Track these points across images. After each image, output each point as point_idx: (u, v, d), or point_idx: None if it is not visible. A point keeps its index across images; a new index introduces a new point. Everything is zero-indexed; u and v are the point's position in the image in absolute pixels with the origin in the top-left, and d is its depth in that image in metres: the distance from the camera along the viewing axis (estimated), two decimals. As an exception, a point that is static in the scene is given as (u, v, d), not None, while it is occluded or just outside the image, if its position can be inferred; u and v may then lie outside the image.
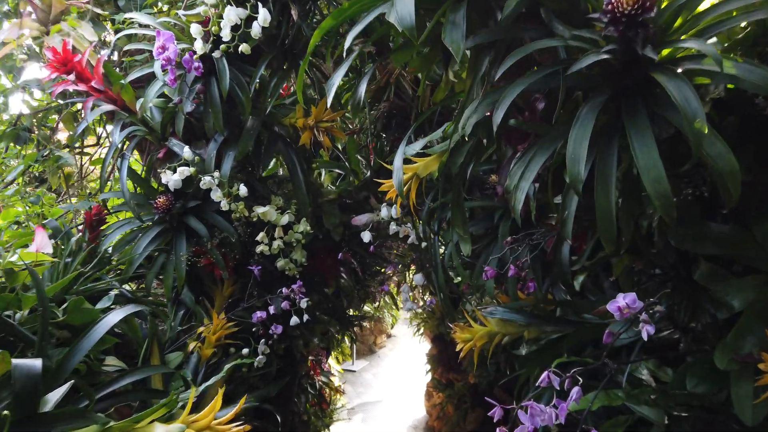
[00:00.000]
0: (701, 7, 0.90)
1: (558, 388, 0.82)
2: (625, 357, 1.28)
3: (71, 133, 2.19)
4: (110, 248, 2.02)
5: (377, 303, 2.94)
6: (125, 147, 1.89)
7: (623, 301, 0.78)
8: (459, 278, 2.29)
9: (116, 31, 2.19)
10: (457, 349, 1.47)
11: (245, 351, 1.84)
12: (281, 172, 2.30)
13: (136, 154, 2.31)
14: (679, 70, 0.88)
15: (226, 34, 1.62)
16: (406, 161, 1.46)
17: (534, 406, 0.78)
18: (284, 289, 1.81)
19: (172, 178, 1.74)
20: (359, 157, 2.09)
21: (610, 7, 0.83)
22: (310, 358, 3.83)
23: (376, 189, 2.09)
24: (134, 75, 1.80)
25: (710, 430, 1.05)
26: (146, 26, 1.83)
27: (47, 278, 1.78)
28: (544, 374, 0.82)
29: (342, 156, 2.18)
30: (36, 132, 2.15)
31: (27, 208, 2.11)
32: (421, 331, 5.12)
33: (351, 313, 2.92)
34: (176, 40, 1.68)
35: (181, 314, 1.94)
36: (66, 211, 2.12)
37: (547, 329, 1.37)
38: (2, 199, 2.11)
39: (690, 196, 0.90)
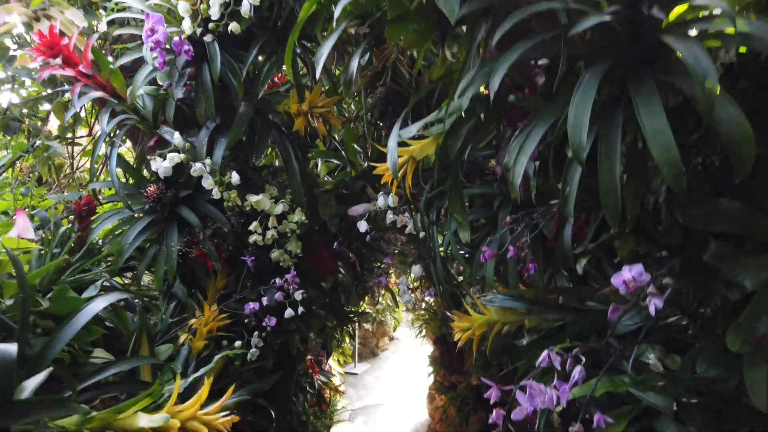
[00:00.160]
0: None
1: (559, 368, 0.76)
2: (629, 345, 1.22)
3: (64, 123, 2.15)
4: (101, 240, 1.97)
5: (377, 299, 2.87)
6: (115, 135, 1.84)
7: (629, 273, 0.73)
8: (459, 273, 2.24)
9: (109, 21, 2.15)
10: (455, 339, 1.42)
11: (238, 343, 1.78)
12: (278, 164, 2.25)
13: (129, 145, 2.26)
14: (689, 33, 0.83)
15: (214, 12, 1.57)
16: (403, 144, 1.41)
17: (533, 386, 0.72)
18: (278, 280, 1.76)
19: (162, 165, 1.69)
20: (356, 146, 2.04)
21: (613, -37, 0.78)
22: (309, 357, 3.78)
23: (374, 179, 2.05)
24: (124, 60, 1.75)
25: (721, 419, 0.99)
26: (137, 10, 1.78)
27: (34, 269, 1.73)
28: (544, 353, 0.76)
29: (339, 146, 2.12)
30: (26, 122, 2.11)
31: (17, 200, 2.07)
32: (423, 333, 5.09)
33: (349, 309, 2.85)
34: (166, 23, 1.63)
35: (172, 307, 1.89)
36: (55, 201, 2.07)
37: (549, 317, 1.31)
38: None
39: (699, 166, 0.85)
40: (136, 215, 1.82)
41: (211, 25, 1.62)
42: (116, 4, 1.87)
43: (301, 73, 2.08)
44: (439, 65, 1.23)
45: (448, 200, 1.46)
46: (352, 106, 2.24)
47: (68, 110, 2.09)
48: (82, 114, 2.40)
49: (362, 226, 1.83)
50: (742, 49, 0.86)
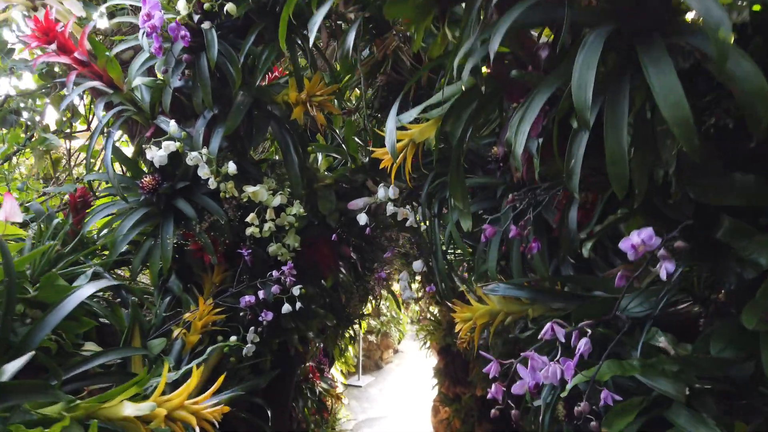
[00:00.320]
0: None
1: (563, 340, 0.71)
2: (638, 333, 1.16)
3: (61, 117, 2.12)
4: (96, 234, 1.94)
5: (377, 296, 2.81)
6: (111, 125, 1.81)
7: (638, 237, 0.68)
8: (461, 268, 2.18)
9: (109, 14, 2.14)
10: (456, 330, 1.36)
11: (233, 338, 1.73)
12: (277, 159, 2.22)
13: (127, 139, 2.23)
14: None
15: (210, -7, 1.54)
16: (404, 130, 1.37)
17: (535, 358, 0.67)
18: (274, 272, 1.71)
19: (157, 154, 1.65)
20: (357, 140, 2.00)
21: None
22: (310, 363, 3.73)
23: (374, 173, 2.01)
24: (120, 47, 1.73)
25: (737, 406, 0.93)
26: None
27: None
28: (548, 325, 0.71)
29: (340, 139, 2.08)
30: (24, 116, 2.08)
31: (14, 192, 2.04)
32: (428, 344, 5.04)
33: (350, 311, 2.80)
34: (163, 10, 1.61)
35: (167, 301, 1.84)
36: (50, 194, 2.04)
37: (554, 306, 1.26)
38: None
39: (712, 128, 0.80)
40: (131, 207, 1.78)
41: (206, 5, 1.60)
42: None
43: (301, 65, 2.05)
44: (438, 42, 1.19)
45: (449, 188, 1.42)
46: (353, 100, 2.20)
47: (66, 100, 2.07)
48: (81, 110, 2.38)
49: (362, 218, 1.79)
50: (756, 8, 0.82)
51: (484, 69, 1.19)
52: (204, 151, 1.67)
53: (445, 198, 1.73)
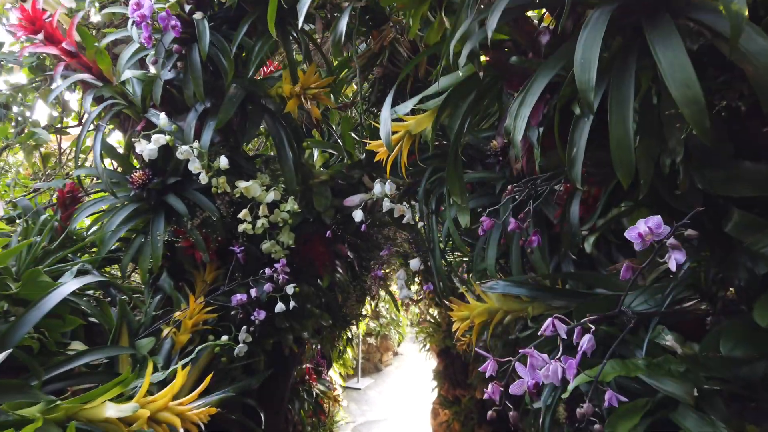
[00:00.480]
0: None
1: (564, 337, 0.66)
2: (642, 333, 1.11)
3: (51, 111, 2.08)
4: (86, 231, 1.89)
5: (374, 295, 2.76)
6: (101, 119, 1.76)
7: (645, 225, 0.63)
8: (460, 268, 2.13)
9: (101, 6, 2.09)
10: (453, 330, 1.31)
11: (224, 338, 1.68)
12: (273, 155, 2.17)
13: (119, 135, 2.19)
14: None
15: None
16: (401, 121, 1.32)
17: (535, 355, 0.62)
18: (267, 270, 1.66)
19: (147, 148, 1.60)
20: (353, 135, 1.95)
21: None
22: (307, 365, 3.67)
23: (371, 168, 1.96)
24: (110, 38, 1.68)
25: (747, 409, 0.88)
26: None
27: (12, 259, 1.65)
28: (549, 321, 0.66)
29: (336, 135, 2.04)
30: (13, 110, 2.04)
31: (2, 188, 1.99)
32: (427, 346, 5.01)
33: (347, 311, 2.74)
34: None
35: (157, 300, 1.79)
36: (37, 190, 2.00)
37: (555, 304, 1.21)
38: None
39: (723, 110, 0.75)
40: (121, 203, 1.73)
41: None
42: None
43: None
44: (435, 29, 1.14)
45: (446, 182, 1.37)
46: (350, 96, 2.16)
47: (58, 99, 2.02)
48: (74, 105, 2.34)
49: (357, 215, 1.74)
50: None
51: (483, 58, 1.14)
52: (195, 144, 1.63)
53: (442, 194, 1.68)
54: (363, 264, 2.46)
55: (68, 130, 2.21)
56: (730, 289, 1.05)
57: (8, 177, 2.02)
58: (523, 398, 1.06)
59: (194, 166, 1.62)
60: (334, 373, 5.56)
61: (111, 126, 1.96)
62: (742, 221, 0.89)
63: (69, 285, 1.28)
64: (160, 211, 1.77)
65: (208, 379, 1.19)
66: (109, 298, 1.75)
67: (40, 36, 1.55)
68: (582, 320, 0.69)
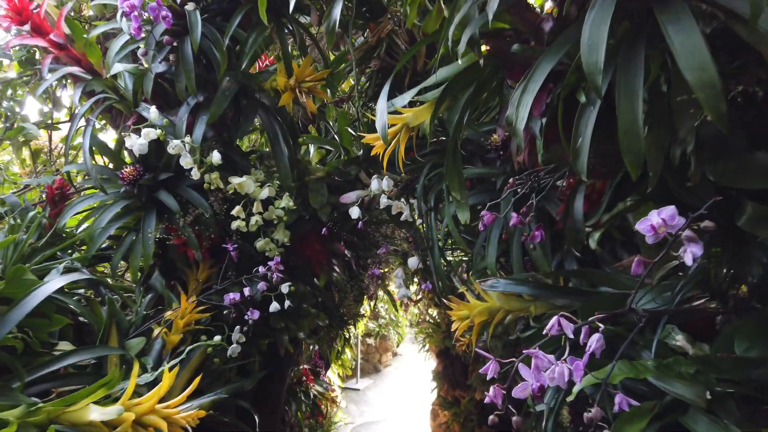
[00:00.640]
0: None
1: (572, 336, 0.62)
2: (648, 333, 1.07)
3: (41, 107, 2.03)
4: (75, 228, 1.84)
5: (372, 295, 2.71)
6: (91, 113, 1.72)
7: (658, 217, 0.58)
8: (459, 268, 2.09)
9: None
10: (453, 329, 1.27)
11: (217, 338, 1.64)
12: (268, 151, 2.12)
13: (114, 133, 2.14)
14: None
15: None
16: (397, 113, 1.28)
17: (540, 356, 0.58)
18: (261, 268, 1.62)
19: (137, 142, 1.56)
20: (350, 131, 1.91)
21: None
22: (304, 366, 3.63)
23: (368, 164, 1.91)
24: (99, 29, 1.63)
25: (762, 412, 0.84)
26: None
27: (-1, 256, 1.60)
28: (554, 319, 0.61)
29: (333, 131, 1.99)
30: (2, 105, 1.99)
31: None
32: (427, 347, 4.98)
33: (345, 311, 2.69)
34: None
35: (148, 299, 1.74)
36: (25, 187, 1.95)
37: (558, 303, 1.16)
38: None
39: (739, 96, 0.71)
40: (111, 199, 1.69)
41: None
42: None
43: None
44: (434, 17, 1.10)
45: (445, 177, 1.32)
46: (347, 91, 2.11)
47: (49, 94, 1.98)
48: (67, 102, 2.29)
49: (354, 212, 1.70)
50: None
51: (483, 48, 1.10)
52: (187, 139, 1.58)
53: (441, 190, 1.64)
54: (360, 263, 2.42)
55: (59, 125, 2.16)
56: (742, 286, 1.00)
57: (-3, 173, 1.97)
58: (524, 401, 1.01)
59: (186, 162, 1.57)
60: (332, 374, 5.51)
61: (102, 121, 1.91)
62: (756, 214, 0.84)
63: (54, 283, 1.23)
64: (151, 208, 1.72)
65: (197, 380, 1.15)
66: (100, 298, 1.71)
67: (27, 27, 1.50)
68: (589, 319, 0.65)
